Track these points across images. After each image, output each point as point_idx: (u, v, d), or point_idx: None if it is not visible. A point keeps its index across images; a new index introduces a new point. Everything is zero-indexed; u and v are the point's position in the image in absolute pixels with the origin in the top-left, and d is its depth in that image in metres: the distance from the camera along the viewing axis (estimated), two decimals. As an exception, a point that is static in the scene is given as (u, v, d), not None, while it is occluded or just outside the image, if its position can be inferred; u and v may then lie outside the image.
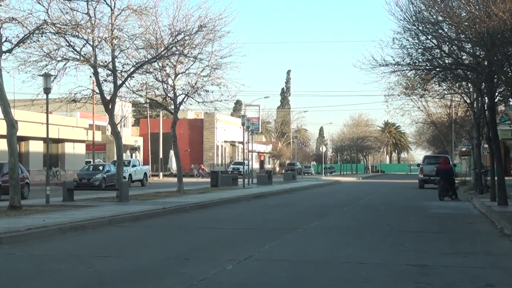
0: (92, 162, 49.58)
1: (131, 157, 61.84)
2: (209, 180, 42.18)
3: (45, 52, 22.48)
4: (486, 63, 19.88)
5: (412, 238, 13.73)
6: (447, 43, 20.39)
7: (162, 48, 27.21)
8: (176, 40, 27.40)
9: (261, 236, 14.14)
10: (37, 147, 48.03)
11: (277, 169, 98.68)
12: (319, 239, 13.53)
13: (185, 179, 35.13)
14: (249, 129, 45.42)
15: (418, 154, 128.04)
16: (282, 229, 15.25)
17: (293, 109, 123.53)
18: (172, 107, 31.48)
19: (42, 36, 20.28)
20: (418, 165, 46.74)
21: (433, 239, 13.72)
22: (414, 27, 19.82)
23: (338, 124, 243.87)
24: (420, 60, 21.10)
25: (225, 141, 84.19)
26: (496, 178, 22.37)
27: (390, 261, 10.40)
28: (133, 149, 70.27)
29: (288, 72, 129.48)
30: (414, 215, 19.78)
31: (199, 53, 29.06)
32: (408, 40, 20.37)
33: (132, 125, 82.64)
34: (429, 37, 20.24)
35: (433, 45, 20.52)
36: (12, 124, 19.27)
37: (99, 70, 24.82)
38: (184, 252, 11.58)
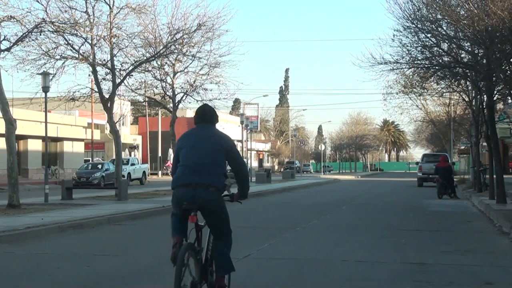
0: (91, 161, 49.59)
1: (130, 155, 61.83)
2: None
3: (43, 50, 22.48)
4: (484, 61, 19.89)
5: (411, 236, 13.74)
6: (446, 41, 20.39)
7: (161, 47, 27.19)
8: (174, 39, 27.37)
9: (260, 234, 14.14)
10: (35, 145, 48.01)
11: (276, 167, 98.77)
12: (318, 238, 13.54)
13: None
14: (248, 128, 45.48)
15: (417, 152, 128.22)
16: (281, 228, 15.26)
17: (292, 107, 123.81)
18: (171, 105, 31.47)
19: (40, 34, 20.27)
20: (417, 163, 46.79)
21: (432, 237, 13.74)
22: (413, 25, 19.82)
23: (337, 122, 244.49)
24: (419, 58, 21.11)
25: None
26: (494, 176, 22.38)
27: (389, 259, 10.40)
28: (132, 147, 70.22)
29: (287, 70, 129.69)
30: (413, 213, 19.80)
31: (198, 52, 29.04)
32: (408, 37, 20.39)
33: (131, 124, 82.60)
34: (428, 35, 20.25)
35: (432, 43, 20.52)
36: (10, 123, 19.26)
37: (98, 68, 24.83)
38: (183, 250, 11.58)
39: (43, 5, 21.05)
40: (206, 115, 6.65)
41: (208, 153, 6.38)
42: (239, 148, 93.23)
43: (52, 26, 20.32)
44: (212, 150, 6.41)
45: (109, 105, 25.35)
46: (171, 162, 42.80)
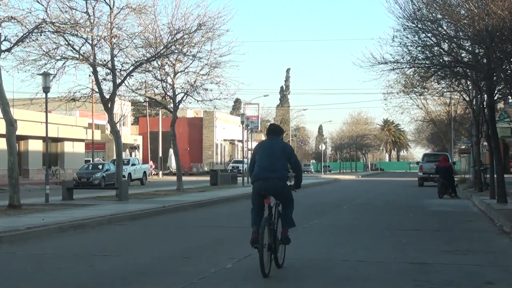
0: (91, 161, 49.60)
1: (131, 156, 61.84)
2: (202, 178, 42.19)
3: (44, 51, 22.48)
4: (485, 61, 19.88)
5: (411, 236, 13.74)
6: (447, 41, 20.38)
7: (161, 47, 27.19)
8: (175, 39, 27.38)
9: (261, 234, 14.11)
10: (36, 146, 48.01)
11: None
12: (319, 238, 13.54)
13: (184, 178, 35.12)
14: (249, 128, 45.43)
15: (417, 152, 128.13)
16: (282, 228, 15.22)
17: (293, 107, 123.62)
18: (171, 105, 31.47)
19: (41, 35, 20.27)
20: (418, 163, 46.80)
21: (432, 237, 13.74)
22: (414, 25, 19.81)
23: (337, 122, 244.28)
24: (420, 57, 21.10)
25: (225, 140, 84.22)
26: (495, 175, 22.37)
27: (389, 259, 10.40)
28: (133, 148, 70.23)
29: (288, 70, 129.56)
30: (413, 213, 19.79)
31: (198, 52, 29.06)
32: (408, 37, 20.38)
33: (132, 124, 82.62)
34: (429, 35, 20.24)
35: (432, 43, 20.51)
36: (11, 123, 19.26)
37: (98, 69, 24.82)
38: (184, 250, 11.60)
39: (43, 5, 21.06)
40: (275, 130, 9.63)
41: (275, 157, 9.25)
42: (239, 148, 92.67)
43: (53, 27, 20.31)
44: (278, 155, 9.28)
45: (109, 105, 25.35)
46: (153, 162, 43.13)
